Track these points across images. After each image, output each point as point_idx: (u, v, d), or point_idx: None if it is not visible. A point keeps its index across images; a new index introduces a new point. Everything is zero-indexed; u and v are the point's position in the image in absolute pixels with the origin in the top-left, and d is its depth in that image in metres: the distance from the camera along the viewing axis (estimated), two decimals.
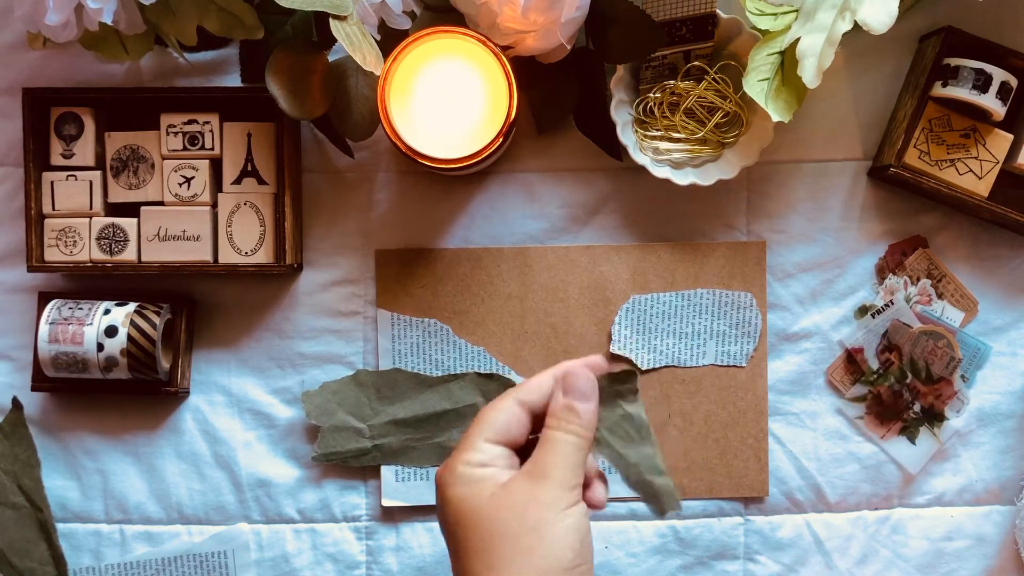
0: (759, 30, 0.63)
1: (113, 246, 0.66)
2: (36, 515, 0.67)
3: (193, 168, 0.66)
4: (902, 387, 0.69)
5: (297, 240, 0.68)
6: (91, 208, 0.66)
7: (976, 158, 0.65)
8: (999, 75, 0.63)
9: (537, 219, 0.69)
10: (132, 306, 0.65)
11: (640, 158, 0.66)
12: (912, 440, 0.69)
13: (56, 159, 0.66)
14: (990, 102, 0.63)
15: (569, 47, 0.63)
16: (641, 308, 0.69)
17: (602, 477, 0.54)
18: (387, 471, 0.69)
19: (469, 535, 0.47)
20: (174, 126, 0.66)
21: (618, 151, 0.68)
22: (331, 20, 0.57)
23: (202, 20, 0.63)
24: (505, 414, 0.50)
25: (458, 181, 0.69)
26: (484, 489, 0.47)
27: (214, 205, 0.66)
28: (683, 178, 0.66)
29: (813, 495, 0.69)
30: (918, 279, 0.69)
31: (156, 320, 0.64)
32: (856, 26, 0.58)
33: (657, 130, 0.67)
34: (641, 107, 0.67)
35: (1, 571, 0.66)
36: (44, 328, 0.64)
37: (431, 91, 0.62)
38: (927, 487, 0.70)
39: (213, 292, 0.69)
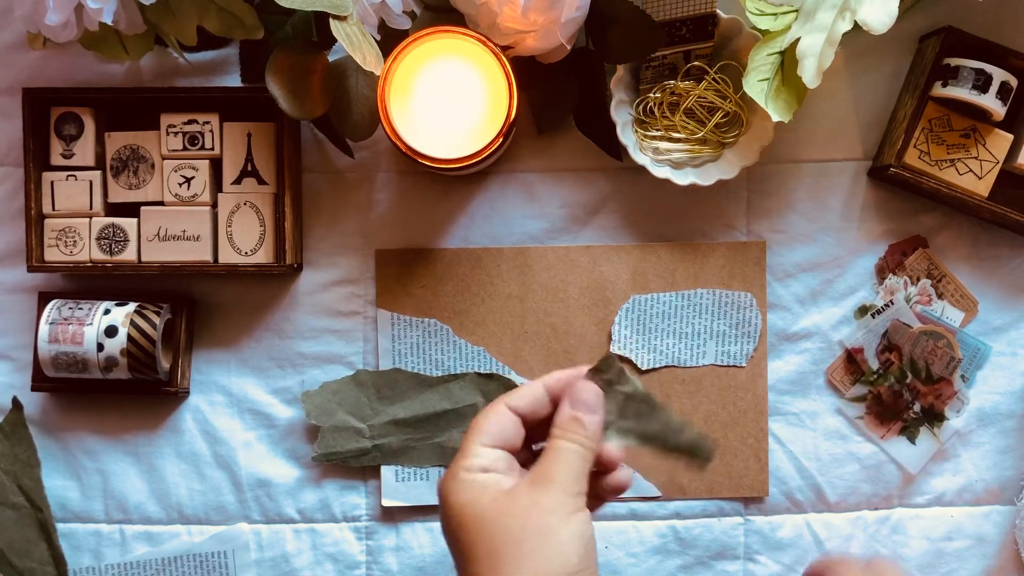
0: (759, 30, 0.63)
1: (113, 246, 0.66)
2: (36, 515, 0.67)
3: (193, 168, 0.66)
4: (902, 387, 0.69)
5: (297, 240, 0.68)
6: (91, 208, 0.66)
7: (976, 158, 0.65)
8: (999, 75, 0.63)
9: (537, 219, 0.69)
10: (132, 306, 0.65)
11: (640, 158, 0.66)
12: (912, 440, 0.69)
13: (56, 159, 0.66)
14: (990, 102, 0.63)
15: (569, 47, 0.63)
16: (641, 308, 0.69)
17: (620, 462, 0.54)
18: (387, 471, 0.69)
19: (474, 540, 0.47)
20: (174, 126, 0.66)
21: (618, 151, 0.68)
22: (331, 20, 0.57)
23: (202, 20, 0.63)
24: (497, 418, 0.50)
25: (458, 181, 0.69)
26: (486, 494, 0.47)
27: (214, 205, 0.66)
28: (683, 178, 0.66)
29: (813, 495, 0.70)
30: (918, 279, 0.69)
31: (156, 320, 0.64)
32: (856, 26, 0.58)
33: (657, 130, 0.67)
34: (641, 107, 0.67)
35: (1, 571, 0.66)
36: (44, 328, 0.64)
37: (431, 91, 0.62)
38: (927, 487, 0.70)
39: (213, 292, 0.69)
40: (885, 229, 0.69)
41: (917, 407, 0.69)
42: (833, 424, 0.70)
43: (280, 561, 0.69)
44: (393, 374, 0.69)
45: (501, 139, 0.60)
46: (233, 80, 0.68)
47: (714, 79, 0.67)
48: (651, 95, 0.67)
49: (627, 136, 0.66)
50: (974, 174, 0.65)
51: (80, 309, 0.64)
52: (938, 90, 0.64)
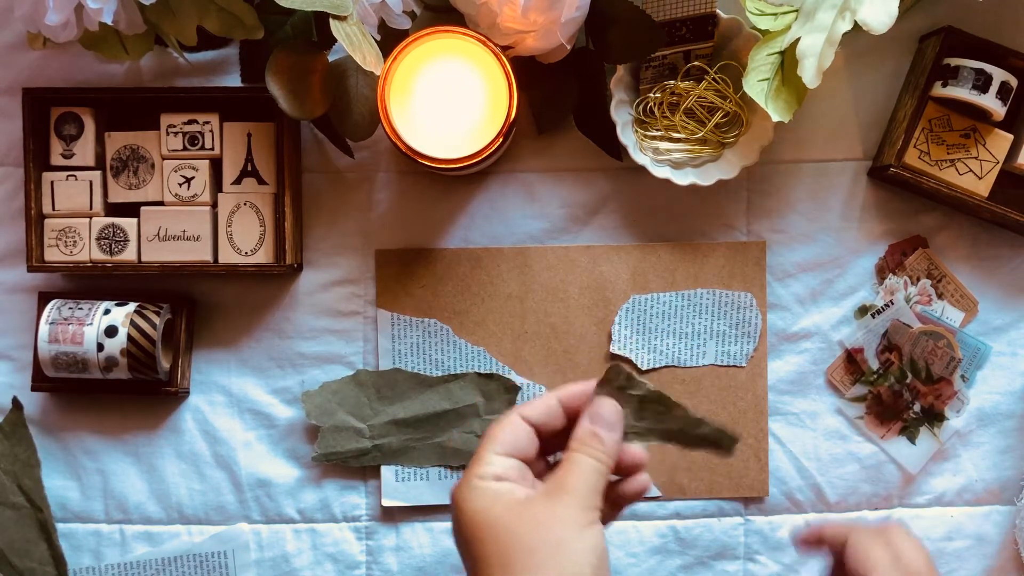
0: (759, 30, 0.63)
1: (113, 246, 0.66)
2: (36, 515, 0.67)
3: (193, 168, 0.66)
4: (902, 387, 0.69)
5: (297, 240, 0.68)
6: (91, 208, 0.66)
7: (976, 158, 0.65)
8: (999, 75, 0.63)
9: (537, 219, 0.69)
10: (132, 306, 0.65)
11: (640, 158, 0.66)
12: (912, 440, 0.69)
13: (56, 159, 0.66)
14: (990, 102, 0.63)
15: (569, 47, 0.63)
16: (641, 308, 0.69)
17: (645, 463, 0.54)
18: (387, 471, 0.69)
19: (486, 548, 0.47)
20: (174, 126, 0.66)
21: (618, 151, 0.68)
22: (331, 20, 0.57)
23: (202, 20, 0.63)
24: (511, 427, 0.50)
25: (458, 181, 0.69)
26: (500, 502, 0.47)
27: (214, 205, 0.66)
28: (683, 178, 0.66)
29: (813, 495, 0.70)
30: (918, 279, 0.69)
31: (156, 320, 0.64)
32: (856, 26, 0.58)
33: (657, 130, 0.67)
34: (641, 107, 0.67)
35: (1, 571, 0.66)
36: (44, 328, 0.64)
37: (431, 91, 0.62)
38: (927, 487, 0.70)
39: (213, 292, 0.69)
40: (885, 229, 0.69)
41: (917, 407, 0.69)
42: (833, 424, 0.70)
43: (280, 561, 0.69)
44: (393, 374, 0.69)
45: (501, 139, 0.60)
46: (233, 80, 0.68)
47: (714, 79, 0.67)
48: (651, 95, 0.67)
49: (627, 136, 0.66)
50: (974, 174, 0.65)
51: (80, 309, 0.64)
52: (938, 90, 0.64)
